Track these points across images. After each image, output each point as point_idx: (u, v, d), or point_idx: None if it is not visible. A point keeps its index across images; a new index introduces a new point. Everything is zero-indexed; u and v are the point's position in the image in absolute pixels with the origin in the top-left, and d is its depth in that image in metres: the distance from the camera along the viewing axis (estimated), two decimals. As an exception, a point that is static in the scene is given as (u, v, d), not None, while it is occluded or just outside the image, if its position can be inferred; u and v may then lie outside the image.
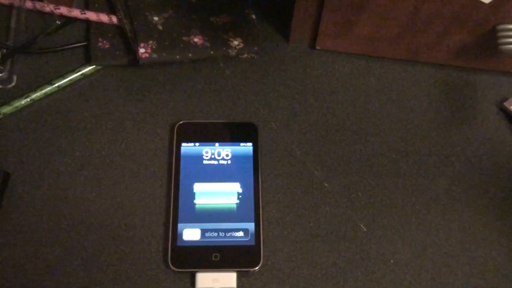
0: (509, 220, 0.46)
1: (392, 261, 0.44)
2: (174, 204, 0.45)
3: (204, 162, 0.47)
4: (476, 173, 0.48)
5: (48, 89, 0.50)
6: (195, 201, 0.45)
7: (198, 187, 0.46)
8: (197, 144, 0.47)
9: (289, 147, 0.49)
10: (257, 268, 0.43)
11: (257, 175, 0.46)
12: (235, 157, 0.47)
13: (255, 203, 0.45)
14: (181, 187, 0.46)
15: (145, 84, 0.51)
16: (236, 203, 0.45)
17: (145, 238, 0.44)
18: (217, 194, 0.45)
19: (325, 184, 0.47)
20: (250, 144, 0.48)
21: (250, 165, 0.47)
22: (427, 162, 0.49)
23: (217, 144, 0.48)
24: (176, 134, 0.48)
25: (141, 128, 0.49)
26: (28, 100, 0.49)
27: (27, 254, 0.44)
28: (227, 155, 0.47)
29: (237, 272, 0.43)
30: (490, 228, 0.46)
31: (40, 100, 0.50)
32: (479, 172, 0.48)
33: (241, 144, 0.48)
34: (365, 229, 0.46)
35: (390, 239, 0.45)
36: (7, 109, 0.49)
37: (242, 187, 0.46)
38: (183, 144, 0.47)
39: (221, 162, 0.47)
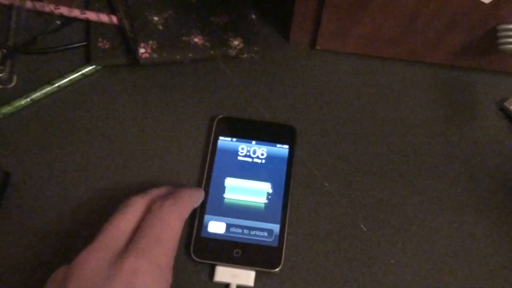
0: (510, 220, 0.46)
1: (392, 261, 0.44)
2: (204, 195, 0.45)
3: (239, 158, 0.47)
4: (476, 173, 0.48)
5: (48, 89, 0.50)
6: (224, 195, 0.45)
7: (229, 181, 0.46)
8: (234, 139, 0.48)
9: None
10: (277, 269, 0.43)
11: (289, 178, 0.46)
12: (270, 157, 0.47)
13: (283, 206, 0.45)
14: (212, 180, 0.46)
15: (145, 84, 0.51)
16: (265, 203, 0.45)
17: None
18: (247, 191, 0.46)
19: (325, 184, 0.47)
20: (287, 146, 0.48)
21: (284, 167, 0.47)
22: (427, 162, 0.49)
23: (253, 142, 0.48)
24: (215, 128, 0.48)
25: (141, 128, 0.49)
26: (28, 100, 0.49)
27: (27, 254, 0.44)
28: (262, 154, 0.47)
29: (256, 271, 0.43)
30: (490, 228, 0.46)
31: (40, 100, 0.50)
32: (479, 172, 0.48)
33: (278, 145, 0.48)
34: (365, 229, 0.46)
35: (391, 239, 0.45)
36: (7, 109, 0.49)
37: (272, 187, 0.46)
38: (221, 137, 0.48)
39: (255, 160, 0.47)
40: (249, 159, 0.47)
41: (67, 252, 0.44)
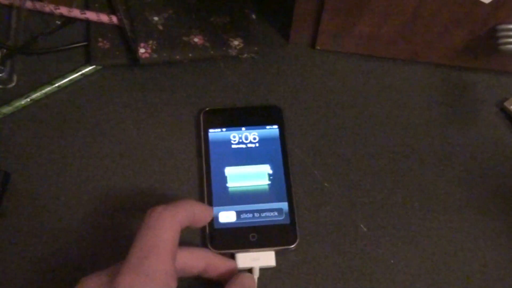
0: (509, 220, 0.46)
1: (392, 261, 0.44)
2: (208, 189, 0.46)
3: (233, 146, 0.47)
4: (476, 173, 0.48)
5: (48, 89, 0.50)
6: (227, 185, 0.46)
7: (229, 170, 0.46)
8: (224, 129, 0.48)
9: (289, 147, 0.49)
10: (293, 246, 0.44)
11: (286, 156, 0.47)
12: (262, 140, 0.48)
13: (287, 183, 0.46)
14: (212, 172, 0.46)
15: (145, 84, 0.51)
16: (268, 184, 0.46)
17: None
18: (248, 177, 0.46)
19: (325, 184, 0.47)
20: (276, 126, 0.48)
21: (278, 146, 0.48)
22: (427, 162, 0.49)
23: (243, 128, 0.48)
24: (203, 121, 0.49)
25: (141, 128, 0.49)
26: (28, 100, 0.49)
27: (27, 254, 0.44)
28: (254, 139, 0.48)
29: (275, 250, 0.43)
30: (490, 228, 0.46)
31: (40, 100, 0.50)
32: (479, 172, 0.48)
33: (267, 127, 0.48)
34: (365, 229, 0.46)
35: (390, 239, 0.45)
36: (7, 109, 0.49)
37: (272, 168, 0.46)
38: (211, 130, 0.48)
39: (249, 145, 0.48)
40: (243, 146, 0.47)
41: (67, 252, 0.44)
